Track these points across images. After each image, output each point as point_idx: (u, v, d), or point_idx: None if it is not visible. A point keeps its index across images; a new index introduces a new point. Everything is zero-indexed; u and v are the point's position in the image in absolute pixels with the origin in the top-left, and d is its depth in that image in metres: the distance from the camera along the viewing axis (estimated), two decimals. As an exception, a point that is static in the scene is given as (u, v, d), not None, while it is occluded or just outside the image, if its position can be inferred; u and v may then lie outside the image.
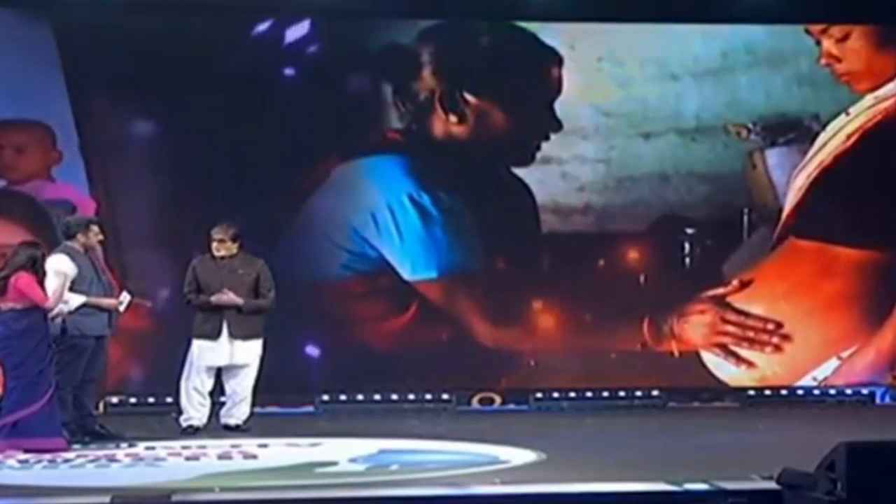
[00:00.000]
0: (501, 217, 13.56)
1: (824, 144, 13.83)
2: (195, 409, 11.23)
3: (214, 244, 11.34)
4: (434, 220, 13.43)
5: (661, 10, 13.44)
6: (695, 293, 13.67)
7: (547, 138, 13.63)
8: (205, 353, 11.23)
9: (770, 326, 13.70)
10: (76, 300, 10.27)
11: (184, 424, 11.23)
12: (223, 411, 11.39)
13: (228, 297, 11.20)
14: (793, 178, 13.82)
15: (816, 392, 13.81)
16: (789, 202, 13.79)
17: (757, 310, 13.71)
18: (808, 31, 13.87)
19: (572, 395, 13.51)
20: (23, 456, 9.59)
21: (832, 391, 13.83)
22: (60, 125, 12.93)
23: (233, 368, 11.30)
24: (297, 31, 13.17)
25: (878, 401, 13.81)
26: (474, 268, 13.49)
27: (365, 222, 13.31)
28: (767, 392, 13.75)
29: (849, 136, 13.82)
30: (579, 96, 13.67)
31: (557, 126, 13.61)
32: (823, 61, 13.87)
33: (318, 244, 13.25)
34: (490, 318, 13.49)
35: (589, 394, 13.54)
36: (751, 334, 13.69)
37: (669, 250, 13.74)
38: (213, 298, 11.19)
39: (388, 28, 13.50)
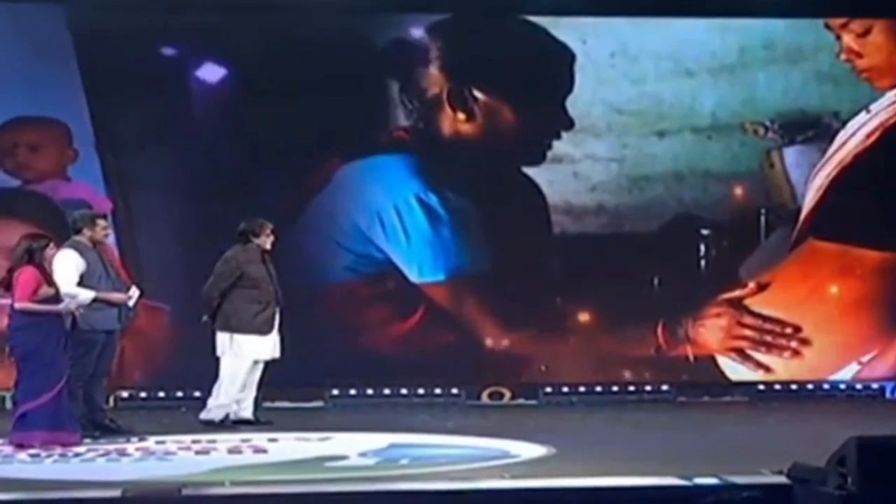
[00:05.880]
0: (511, 218, 13.98)
1: (844, 143, 14.23)
2: (230, 404, 11.76)
3: (272, 238, 11.88)
4: (442, 221, 13.88)
5: (676, 3, 13.93)
6: (710, 296, 14.12)
7: (558, 137, 14.07)
8: (255, 348, 11.74)
9: (788, 330, 14.13)
10: (86, 295, 10.76)
11: (219, 418, 11.69)
12: (235, 405, 11.81)
13: None
14: (811, 177, 14.24)
15: (826, 387, 14.26)
16: (808, 202, 14.20)
17: (775, 313, 14.14)
18: (827, 26, 14.29)
19: (582, 389, 14.00)
20: (34, 450, 10.16)
21: (842, 386, 14.27)
22: (76, 123, 13.38)
23: (264, 361, 11.87)
24: (303, 28, 13.63)
25: (888, 395, 14.26)
26: (483, 270, 13.91)
27: (371, 223, 13.75)
28: (777, 387, 14.21)
29: (869, 135, 14.23)
30: (592, 93, 14.09)
31: (569, 124, 14.04)
32: (844, 57, 14.27)
33: (323, 246, 13.72)
34: (500, 322, 13.94)
35: (598, 388, 14.04)
36: (768, 338, 14.12)
37: (684, 252, 14.16)
38: None
39: (394, 23, 13.93)
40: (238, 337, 11.76)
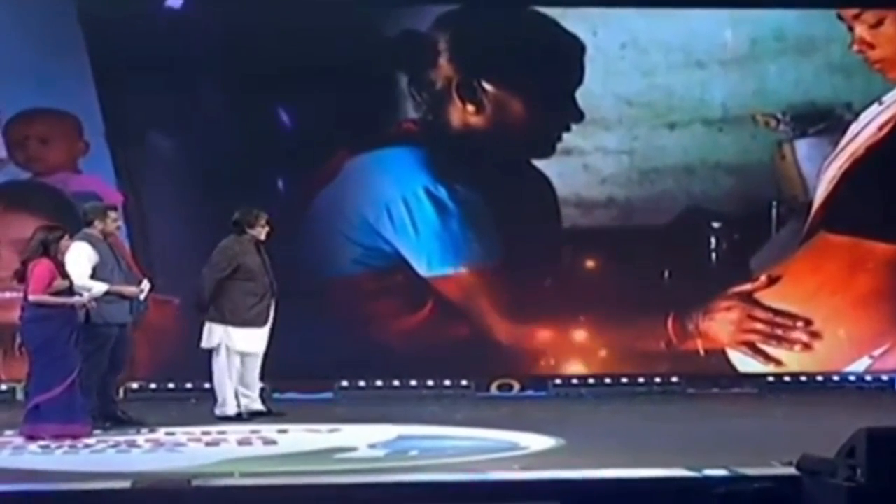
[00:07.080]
0: (521, 211, 14.05)
1: (856, 135, 14.29)
2: (233, 397, 11.88)
3: (267, 229, 11.94)
4: (451, 214, 13.97)
5: (687, -6, 14.04)
6: (721, 289, 14.20)
7: (568, 129, 14.15)
8: (247, 340, 11.80)
9: (799, 324, 14.22)
10: (99, 287, 10.92)
11: (234, 412, 11.80)
12: (245, 399, 11.93)
13: None
14: (823, 169, 14.31)
15: (836, 378, 14.37)
16: (819, 195, 14.27)
17: (786, 306, 14.21)
18: (840, 17, 14.35)
19: (591, 381, 14.14)
20: (44, 441, 10.35)
21: (851, 377, 14.39)
22: (87, 115, 13.49)
23: (260, 354, 11.97)
24: (311, 20, 13.70)
25: (898, 387, 14.44)
26: (493, 263, 14.00)
27: (379, 216, 13.85)
28: (787, 379, 14.31)
29: (881, 127, 14.30)
30: (602, 85, 14.18)
31: (579, 116, 14.13)
32: (856, 48, 14.33)
33: (332, 238, 13.82)
34: (509, 315, 14.04)
35: (608, 380, 14.17)
36: (779, 332, 14.22)
37: (695, 245, 14.25)
38: None
39: (403, 14, 14.01)
40: (231, 329, 11.80)
